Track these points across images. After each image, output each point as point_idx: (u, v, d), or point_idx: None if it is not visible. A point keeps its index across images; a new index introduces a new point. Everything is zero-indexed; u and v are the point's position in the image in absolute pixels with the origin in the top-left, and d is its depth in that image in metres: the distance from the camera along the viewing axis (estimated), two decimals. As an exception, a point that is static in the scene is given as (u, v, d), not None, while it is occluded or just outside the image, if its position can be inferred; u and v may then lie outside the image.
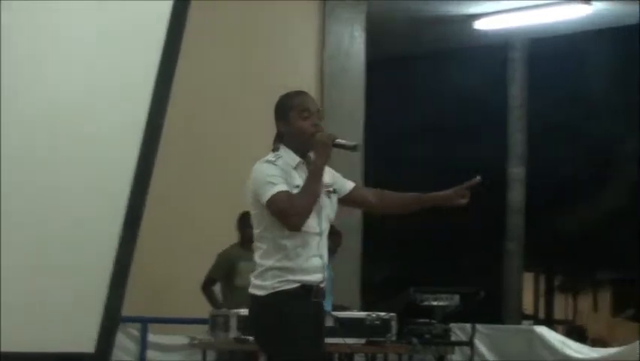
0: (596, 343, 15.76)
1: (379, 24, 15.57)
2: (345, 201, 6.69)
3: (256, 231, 6.51)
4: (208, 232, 12.33)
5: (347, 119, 14.85)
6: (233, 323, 10.86)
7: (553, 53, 18.61)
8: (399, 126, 19.87)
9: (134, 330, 11.86)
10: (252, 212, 6.58)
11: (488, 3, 16.34)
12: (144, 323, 11.85)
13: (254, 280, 6.58)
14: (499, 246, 18.48)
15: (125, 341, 11.61)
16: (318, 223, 6.53)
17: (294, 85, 14.16)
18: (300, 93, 6.69)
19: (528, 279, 23.91)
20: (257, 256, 6.51)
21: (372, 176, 14.07)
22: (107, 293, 4.03)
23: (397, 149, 20.80)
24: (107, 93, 5.80)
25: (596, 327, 23.68)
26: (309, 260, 6.52)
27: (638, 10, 15.87)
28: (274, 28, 14.20)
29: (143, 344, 12.01)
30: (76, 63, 5.89)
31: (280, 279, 6.47)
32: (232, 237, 11.93)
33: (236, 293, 11.49)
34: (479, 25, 17.24)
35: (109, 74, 5.86)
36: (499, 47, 18.55)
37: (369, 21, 15.21)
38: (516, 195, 19.02)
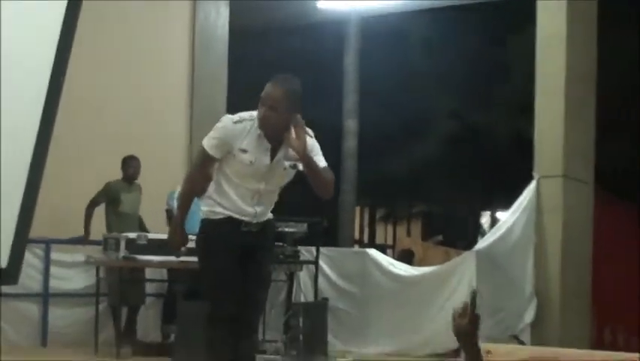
0: (416, 263, 15.78)
1: (241, 2, 15.38)
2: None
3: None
4: (102, 171, 12.06)
5: (214, 83, 14.83)
6: (122, 244, 10.72)
7: (381, 29, 18.58)
8: (258, 90, 19.72)
9: (39, 250, 11.58)
10: None
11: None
12: (48, 243, 11.61)
13: (201, 205, 6.98)
14: (336, 185, 18.43)
15: (32, 260, 11.38)
16: (260, 184, 6.71)
17: (170, 54, 14.10)
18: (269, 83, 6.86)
19: (358, 212, 23.89)
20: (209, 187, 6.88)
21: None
22: (17, 217, 3.73)
23: (255, 107, 20.73)
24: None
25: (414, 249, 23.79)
26: (242, 207, 6.74)
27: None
28: (153, 7, 13.91)
29: (47, 262, 11.78)
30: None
31: (213, 209, 6.79)
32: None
33: (120, 219, 11.78)
34: (321, 4, 17.16)
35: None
36: (338, 22, 18.44)
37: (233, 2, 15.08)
38: (350, 143, 19.02)
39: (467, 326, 3.79)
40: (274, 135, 6.63)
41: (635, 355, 9.80)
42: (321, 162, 6.72)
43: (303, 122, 6.64)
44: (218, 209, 6.76)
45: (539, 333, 12.19)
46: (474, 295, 3.84)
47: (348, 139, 18.96)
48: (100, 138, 12.79)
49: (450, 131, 21.80)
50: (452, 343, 11.56)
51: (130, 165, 11.87)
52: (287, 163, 6.73)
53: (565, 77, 12.50)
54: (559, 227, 12.43)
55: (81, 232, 11.78)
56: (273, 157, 6.70)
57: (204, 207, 6.89)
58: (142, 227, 11.89)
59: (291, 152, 6.66)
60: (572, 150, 12.53)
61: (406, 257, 16.68)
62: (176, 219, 7.00)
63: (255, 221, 6.78)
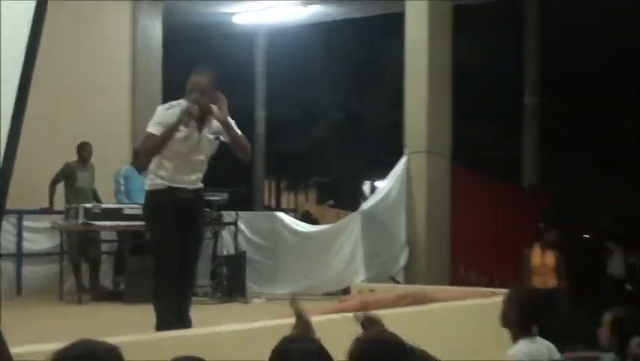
0: (314, 222, 15.82)
1: (174, 16, 15.23)
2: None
3: None
4: (62, 153, 11.87)
5: (151, 79, 14.65)
6: (81, 212, 10.59)
7: (285, 38, 18.50)
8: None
9: (13, 219, 11.37)
10: None
11: (244, 4, 16.11)
12: (20, 213, 11.40)
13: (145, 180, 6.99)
14: (251, 162, 18.43)
15: (8, 227, 11.12)
16: (192, 155, 6.72)
17: (116, 56, 13.90)
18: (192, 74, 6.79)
19: (267, 183, 23.85)
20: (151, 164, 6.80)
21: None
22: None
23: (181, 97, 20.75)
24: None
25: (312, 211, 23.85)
26: (178, 176, 6.73)
27: (342, 10, 15.98)
28: (102, 23, 13.72)
29: (20, 228, 11.58)
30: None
31: (154, 182, 6.75)
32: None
33: (76, 193, 11.55)
34: (236, 19, 17.03)
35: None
36: (250, 33, 18.33)
37: (166, 15, 14.89)
38: (260, 129, 19.00)
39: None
40: (203, 113, 6.65)
41: (486, 289, 9.97)
42: (238, 131, 6.77)
43: (224, 98, 6.67)
44: (159, 181, 6.73)
45: (410, 274, 12.31)
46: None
47: (258, 126, 18.93)
48: (59, 125, 12.56)
49: (339, 118, 21.86)
50: (342, 284, 11.73)
51: (84, 150, 11.75)
52: (211, 135, 6.75)
53: (427, 74, 12.59)
54: (424, 191, 12.53)
55: (47, 203, 11.63)
56: (200, 132, 6.72)
57: (148, 181, 6.88)
58: (96, 199, 11.75)
59: (214, 125, 6.72)
60: (433, 132, 12.63)
61: (306, 218, 16.74)
62: (159, 140, 6.66)
63: (190, 188, 6.77)
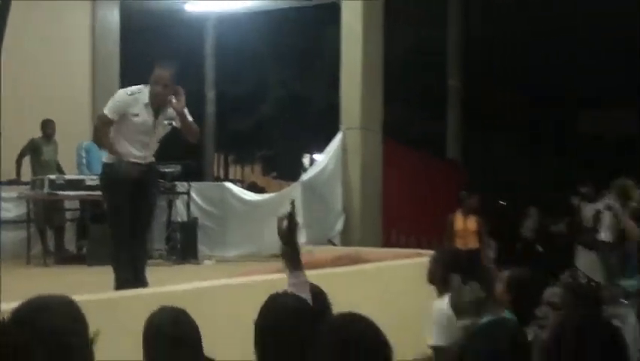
0: (260, 192, 15.84)
1: (131, 5, 15.08)
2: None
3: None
4: (28, 129, 11.78)
5: (109, 65, 14.41)
6: (46, 183, 10.54)
7: (234, 27, 18.33)
8: (141, 71, 19.30)
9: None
10: None
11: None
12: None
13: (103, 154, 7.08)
14: (200, 137, 18.26)
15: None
16: (147, 137, 6.84)
17: (77, 44, 13.78)
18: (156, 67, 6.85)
19: (216, 157, 23.76)
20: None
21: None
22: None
23: (138, 83, 20.40)
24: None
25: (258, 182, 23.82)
26: (134, 152, 6.81)
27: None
28: (63, 8, 13.59)
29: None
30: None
31: (111, 155, 6.83)
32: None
33: (41, 166, 11.53)
34: (188, 7, 16.94)
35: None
36: (201, 21, 18.20)
37: (123, 3, 14.73)
38: (210, 108, 18.93)
39: (287, 228, 3.74)
40: (164, 103, 6.77)
41: (414, 251, 10.14)
42: (190, 118, 6.89)
43: (182, 91, 6.76)
44: (115, 155, 6.83)
45: (346, 237, 12.45)
46: (293, 205, 3.80)
47: (208, 105, 18.86)
48: (25, 104, 12.37)
49: (283, 98, 21.79)
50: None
51: (48, 127, 11.68)
52: (166, 121, 6.87)
53: (361, 59, 12.71)
54: (358, 163, 12.66)
55: (14, 176, 11.56)
56: (156, 118, 6.83)
57: (105, 155, 7.01)
58: (60, 171, 11.67)
59: (169, 112, 6.81)
60: (366, 110, 12.76)
61: (253, 188, 16.76)
62: (106, 146, 6.94)
63: (143, 162, 6.86)
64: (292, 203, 3.83)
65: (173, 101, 6.74)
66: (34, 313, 2.58)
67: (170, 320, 3.27)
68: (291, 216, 3.73)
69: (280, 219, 3.76)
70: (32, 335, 2.39)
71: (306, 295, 3.46)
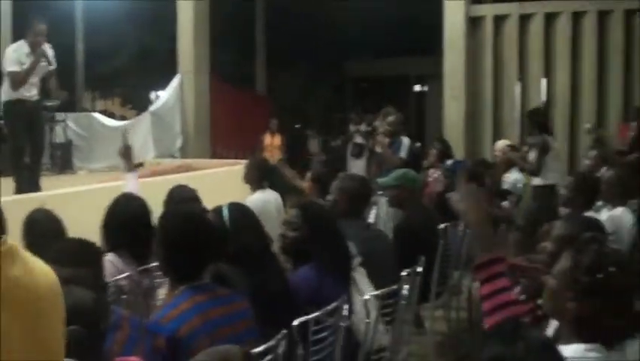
0: (119, 119, 15.30)
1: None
2: None
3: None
4: None
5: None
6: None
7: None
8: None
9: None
10: None
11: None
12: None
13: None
14: (74, 78, 17.30)
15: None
16: (32, 77, 6.71)
17: None
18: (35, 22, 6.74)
19: (90, 93, 22.45)
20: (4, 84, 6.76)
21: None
22: None
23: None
24: None
25: (117, 112, 22.84)
26: (23, 91, 6.75)
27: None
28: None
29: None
30: None
31: (8, 94, 6.78)
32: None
33: None
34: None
35: None
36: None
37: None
38: (79, 58, 17.84)
39: (123, 149, 4.48)
40: (42, 51, 6.73)
41: (234, 160, 10.26)
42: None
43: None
44: (13, 94, 6.75)
45: (184, 152, 12.45)
46: (124, 136, 4.62)
47: (78, 56, 17.76)
48: None
49: (135, 49, 20.58)
50: (140, 159, 11.66)
51: None
52: (44, 63, 6.81)
53: (192, 18, 12.43)
54: (192, 96, 12.55)
55: None
56: (36, 63, 6.77)
57: (3, 94, 6.88)
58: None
59: (49, 54, 6.85)
60: (197, 57, 12.57)
61: (112, 116, 16.22)
62: (23, 77, 6.70)
63: (33, 99, 6.82)
64: (124, 134, 4.59)
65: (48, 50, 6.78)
66: None
67: (40, 215, 3.57)
68: (125, 142, 4.48)
69: (120, 147, 4.46)
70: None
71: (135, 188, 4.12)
